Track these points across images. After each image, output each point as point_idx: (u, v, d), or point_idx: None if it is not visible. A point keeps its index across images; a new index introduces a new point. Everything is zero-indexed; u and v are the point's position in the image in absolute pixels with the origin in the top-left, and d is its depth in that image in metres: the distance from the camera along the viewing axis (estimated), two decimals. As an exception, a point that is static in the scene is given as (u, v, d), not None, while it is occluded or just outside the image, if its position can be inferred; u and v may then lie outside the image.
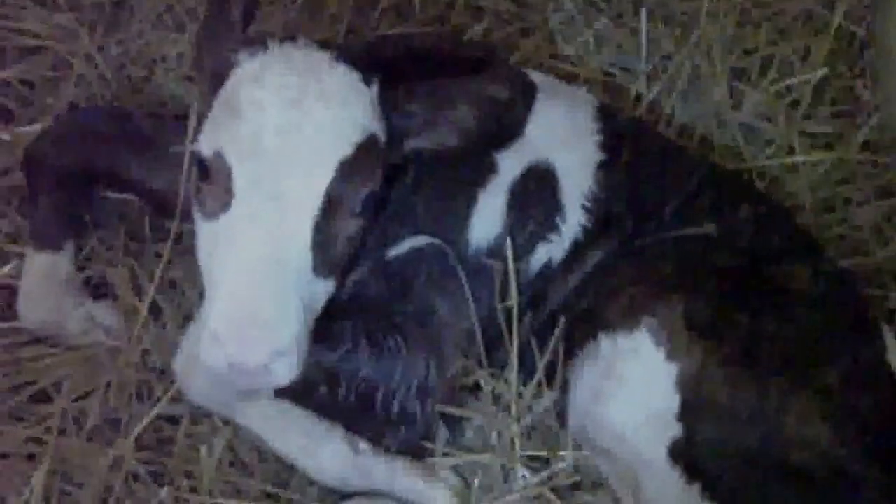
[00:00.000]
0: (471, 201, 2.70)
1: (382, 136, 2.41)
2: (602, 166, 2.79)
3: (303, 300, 2.25)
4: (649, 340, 2.56)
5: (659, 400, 2.53)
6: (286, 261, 2.25)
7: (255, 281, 2.21)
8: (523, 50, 3.42)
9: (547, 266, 2.75)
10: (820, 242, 3.13)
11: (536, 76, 2.86)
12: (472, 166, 2.71)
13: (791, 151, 3.26)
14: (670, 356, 2.54)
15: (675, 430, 2.51)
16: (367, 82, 2.41)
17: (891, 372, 2.63)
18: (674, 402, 2.52)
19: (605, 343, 2.61)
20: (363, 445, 2.69)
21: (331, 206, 2.31)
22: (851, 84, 3.40)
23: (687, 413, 2.51)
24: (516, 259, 2.70)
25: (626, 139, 2.83)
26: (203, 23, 2.54)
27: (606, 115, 2.87)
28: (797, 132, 3.28)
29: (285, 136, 2.29)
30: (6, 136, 3.08)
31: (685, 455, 2.51)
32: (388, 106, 2.43)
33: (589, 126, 2.84)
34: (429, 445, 2.72)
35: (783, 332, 2.58)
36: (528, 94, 2.70)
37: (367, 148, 2.35)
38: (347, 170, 2.32)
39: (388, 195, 2.59)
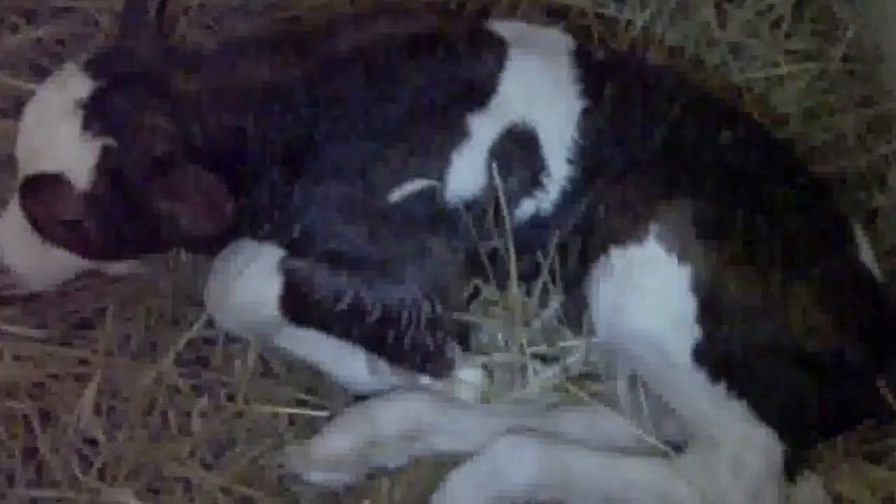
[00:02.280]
0: (445, 164, 2.78)
1: (83, 185, 2.63)
2: (584, 114, 2.82)
3: (33, 248, 2.74)
4: (660, 247, 2.65)
5: (677, 305, 2.64)
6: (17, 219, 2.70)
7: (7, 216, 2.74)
8: (517, -15, 3.53)
9: (535, 216, 2.84)
10: (806, 149, 3.31)
11: (509, 27, 2.92)
12: (442, 130, 2.79)
13: (776, 65, 3.42)
14: (682, 260, 2.63)
15: (695, 332, 2.63)
16: (94, 134, 2.62)
17: (865, 268, 2.81)
18: (691, 305, 2.63)
19: (617, 256, 2.69)
20: (382, 366, 2.89)
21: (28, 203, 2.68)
22: (829, 3, 3.54)
23: (704, 314, 2.63)
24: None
25: (606, 79, 2.86)
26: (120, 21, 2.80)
27: (584, 58, 2.90)
28: (781, 49, 3.44)
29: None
30: (42, 90, 3.28)
31: (708, 356, 2.64)
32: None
33: (567, 75, 2.86)
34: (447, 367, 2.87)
35: (772, 232, 2.71)
36: (498, 52, 2.84)
37: (50, 183, 2.63)
38: (29, 192, 2.66)
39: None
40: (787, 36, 3.49)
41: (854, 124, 3.39)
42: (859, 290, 2.76)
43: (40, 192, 2.64)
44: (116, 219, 2.66)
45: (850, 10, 3.49)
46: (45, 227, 2.70)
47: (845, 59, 3.46)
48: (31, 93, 2.95)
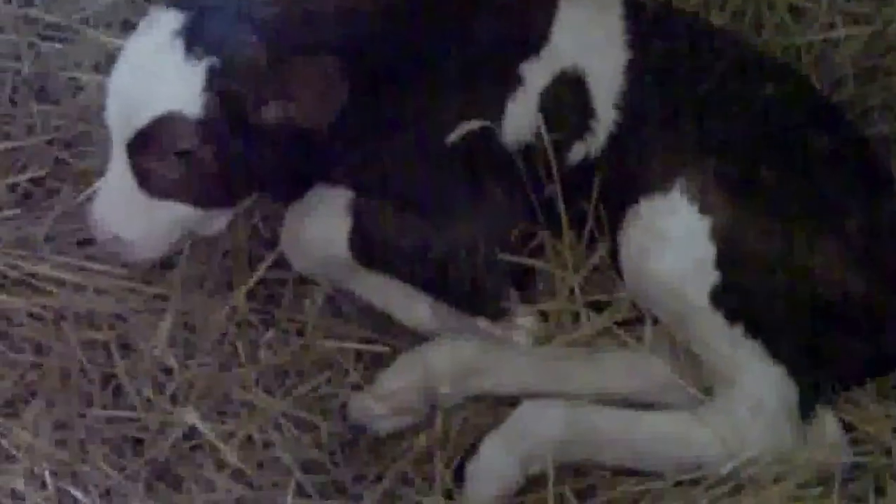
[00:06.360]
0: (499, 112, 2.93)
1: (196, 111, 2.73)
2: (631, 64, 2.96)
3: (141, 210, 2.83)
4: (684, 198, 2.80)
5: (697, 251, 2.78)
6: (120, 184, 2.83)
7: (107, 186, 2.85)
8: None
9: (585, 159, 2.98)
10: (862, 110, 3.42)
11: None
12: (496, 80, 2.94)
13: (833, 28, 3.50)
14: (703, 210, 2.78)
15: (714, 277, 2.77)
16: (197, 57, 2.72)
17: None
18: (710, 251, 2.77)
19: (645, 205, 2.85)
20: (445, 309, 3.04)
21: (138, 157, 2.80)
22: (886, -34, 3.61)
23: (723, 261, 2.77)
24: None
25: (655, 32, 3.00)
26: None
27: (634, 10, 3.02)
28: (838, 11, 3.52)
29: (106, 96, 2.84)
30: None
31: (725, 299, 2.77)
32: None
33: (616, 25, 2.99)
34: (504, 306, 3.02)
35: (805, 186, 2.85)
36: (550, 3, 2.98)
37: (163, 122, 2.74)
38: (142, 138, 2.77)
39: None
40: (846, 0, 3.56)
41: (910, 85, 3.45)
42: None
43: (156, 137, 2.76)
44: (229, 142, 2.77)
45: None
46: (158, 175, 2.80)
47: (901, 23, 3.52)
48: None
